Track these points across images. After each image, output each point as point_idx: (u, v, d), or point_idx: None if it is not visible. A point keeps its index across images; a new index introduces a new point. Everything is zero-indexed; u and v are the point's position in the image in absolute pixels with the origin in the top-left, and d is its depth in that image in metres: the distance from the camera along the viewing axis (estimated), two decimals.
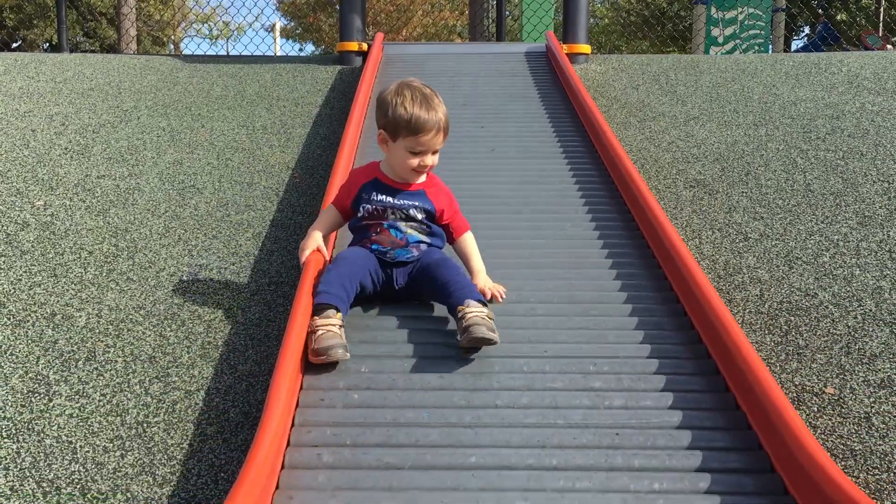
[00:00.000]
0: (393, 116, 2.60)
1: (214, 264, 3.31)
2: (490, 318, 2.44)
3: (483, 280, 2.73)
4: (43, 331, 2.80)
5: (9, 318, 2.85)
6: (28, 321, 2.84)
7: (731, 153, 4.51)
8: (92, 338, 2.78)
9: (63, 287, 3.07)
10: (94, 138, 4.63)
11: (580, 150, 4.21)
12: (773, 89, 5.67)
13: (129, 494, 2.12)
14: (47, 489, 2.12)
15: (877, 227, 3.61)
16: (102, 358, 2.67)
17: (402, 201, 2.70)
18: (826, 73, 6.03)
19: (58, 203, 3.75)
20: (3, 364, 2.60)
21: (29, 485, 2.13)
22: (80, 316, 2.90)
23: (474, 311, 2.43)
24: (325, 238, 2.83)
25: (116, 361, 2.66)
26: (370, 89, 5.05)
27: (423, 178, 2.75)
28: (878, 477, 2.20)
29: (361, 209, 2.72)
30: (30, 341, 2.73)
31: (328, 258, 2.79)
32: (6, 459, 2.21)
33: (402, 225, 2.69)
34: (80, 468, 2.20)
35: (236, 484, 1.75)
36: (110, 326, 2.85)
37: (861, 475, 2.20)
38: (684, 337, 2.60)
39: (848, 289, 3.11)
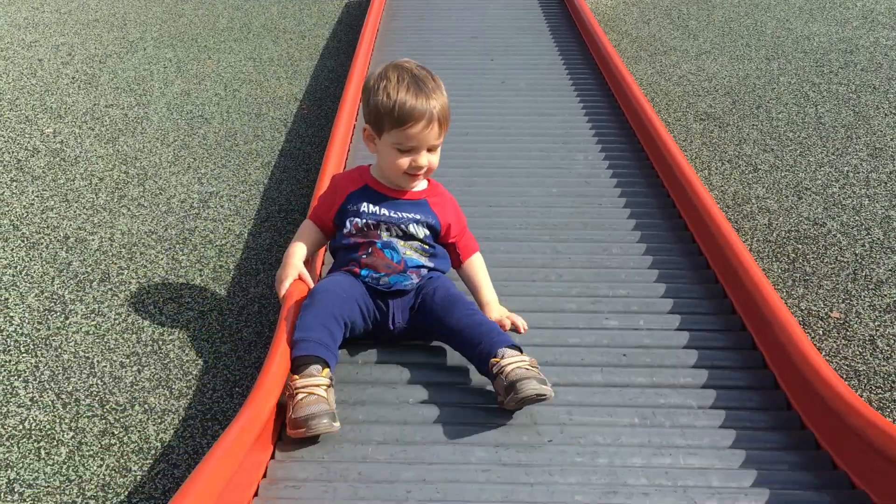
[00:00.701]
0: (375, 104, 2.05)
1: (224, 192, 3.33)
2: (535, 367, 1.92)
3: (497, 311, 2.20)
4: (57, 253, 2.82)
5: (23, 241, 2.88)
6: (42, 243, 2.87)
7: (743, 87, 4.47)
8: (105, 260, 2.81)
9: (75, 212, 3.09)
10: (101, 68, 4.60)
11: (591, 84, 4.17)
12: (786, 24, 5.59)
13: (146, 406, 2.17)
14: (66, 400, 2.17)
15: (887, 158, 3.59)
16: (116, 279, 2.71)
17: (399, 214, 2.14)
18: (840, 7, 5.93)
19: (67, 131, 3.75)
20: (18, 283, 2.64)
21: (49, 396, 2.18)
22: (93, 239, 2.92)
23: (514, 362, 1.90)
24: (309, 262, 2.26)
25: (130, 283, 2.69)
26: (377, 22, 4.99)
27: (422, 185, 2.21)
28: (880, 396, 2.24)
29: (348, 223, 2.15)
30: (44, 262, 2.76)
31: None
32: (25, 372, 2.26)
33: (399, 244, 2.13)
34: (98, 381, 2.25)
35: (254, 389, 1.79)
36: (123, 250, 2.88)
37: (864, 394, 2.24)
38: (693, 262, 2.61)
39: (856, 218, 3.12)
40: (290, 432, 1.83)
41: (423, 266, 2.15)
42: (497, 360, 1.93)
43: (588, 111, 3.81)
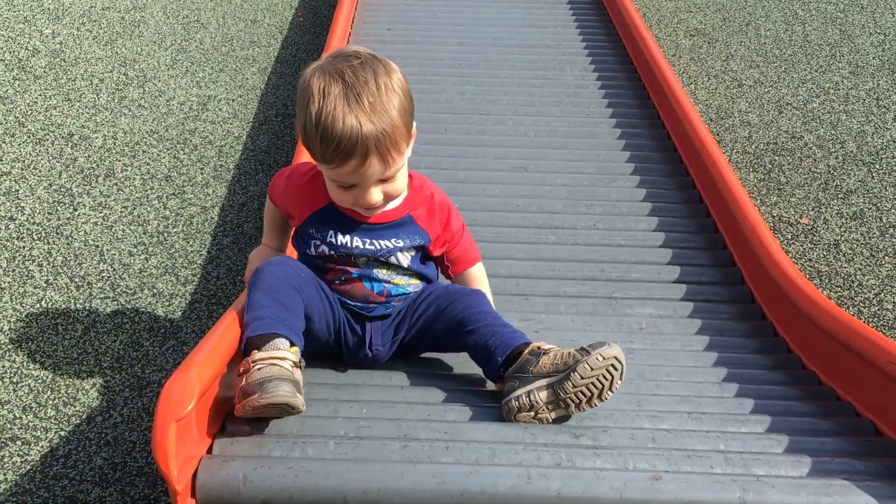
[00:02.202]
0: (301, 124, 1.53)
1: (222, 96, 3.41)
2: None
3: None
4: (62, 149, 2.93)
5: (28, 136, 2.98)
6: (48, 140, 2.97)
7: (733, 3, 4.52)
8: (109, 157, 2.91)
9: (78, 110, 3.18)
10: None
11: None
12: None
13: (154, 290, 2.32)
14: (79, 284, 2.32)
15: (868, 76, 3.70)
16: (121, 175, 2.82)
17: (379, 244, 1.66)
18: None
19: (65, 32, 3.79)
20: (27, 176, 2.75)
21: (62, 280, 2.32)
22: (97, 137, 3.02)
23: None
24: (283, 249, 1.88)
25: (135, 179, 2.81)
26: None
27: (397, 202, 1.67)
28: (839, 294, 2.41)
29: (312, 246, 1.68)
30: (51, 158, 2.87)
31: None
32: (39, 258, 2.40)
33: (380, 273, 1.69)
34: (108, 268, 2.39)
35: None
36: (126, 148, 2.98)
37: (826, 292, 2.41)
38: (673, 169, 2.74)
39: (833, 132, 3.24)
40: (237, 407, 1.45)
41: (409, 294, 1.73)
42: (540, 344, 1.60)
43: (580, 24, 3.87)
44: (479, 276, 1.83)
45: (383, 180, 1.55)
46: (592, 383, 1.51)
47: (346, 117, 1.45)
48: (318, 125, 1.46)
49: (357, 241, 1.65)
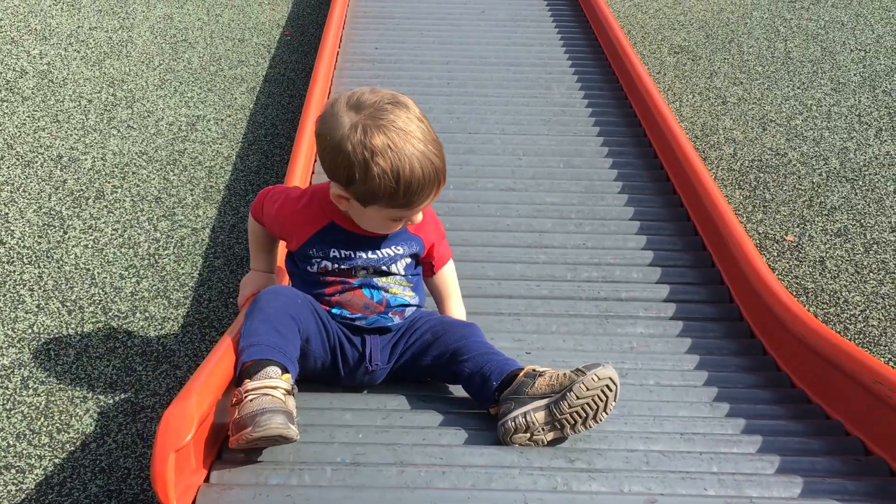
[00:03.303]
0: (366, 186, 1.56)
1: (211, 115, 3.41)
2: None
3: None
4: (52, 171, 2.92)
5: (17, 159, 2.97)
6: (36, 162, 2.97)
7: (717, 21, 4.58)
8: (99, 179, 2.91)
9: (66, 132, 3.18)
10: None
11: (568, 16, 4.26)
12: None
13: (147, 314, 2.32)
14: (71, 308, 2.31)
15: (849, 93, 3.76)
16: (111, 197, 2.82)
17: (379, 253, 1.73)
18: None
19: (53, 53, 3.79)
20: (17, 199, 2.75)
21: (54, 304, 2.32)
22: (86, 159, 3.02)
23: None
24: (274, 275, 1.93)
25: (124, 201, 2.81)
26: None
27: None
28: (826, 310, 2.44)
29: (314, 264, 1.72)
30: (40, 180, 2.87)
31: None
32: (30, 282, 2.39)
33: (380, 281, 1.74)
34: (100, 291, 2.39)
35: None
36: (115, 169, 2.98)
37: (812, 308, 2.44)
38: (661, 187, 2.77)
39: (816, 149, 3.29)
40: (231, 440, 1.46)
41: (407, 305, 1.78)
42: (535, 367, 1.63)
43: (566, 42, 3.91)
44: (453, 273, 1.93)
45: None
46: (588, 404, 1.54)
47: (426, 162, 1.55)
48: (403, 179, 1.54)
49: (360, 253, 1.72)
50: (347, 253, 1.71)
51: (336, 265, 1.71)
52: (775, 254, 2.69)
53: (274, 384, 1.48)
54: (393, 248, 1.74)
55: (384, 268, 1.74)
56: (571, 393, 1.53)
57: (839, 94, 3.76)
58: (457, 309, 1.92)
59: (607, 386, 1.54)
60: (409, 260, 1.78)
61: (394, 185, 1.54)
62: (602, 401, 1.54)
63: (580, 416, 1.54)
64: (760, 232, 2.79)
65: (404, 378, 1.81)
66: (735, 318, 2.21)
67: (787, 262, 2.64)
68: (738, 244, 2.28)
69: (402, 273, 1.77)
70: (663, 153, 2.92)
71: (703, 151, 3.27)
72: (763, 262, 2.17)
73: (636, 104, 3.28)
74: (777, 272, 2.58)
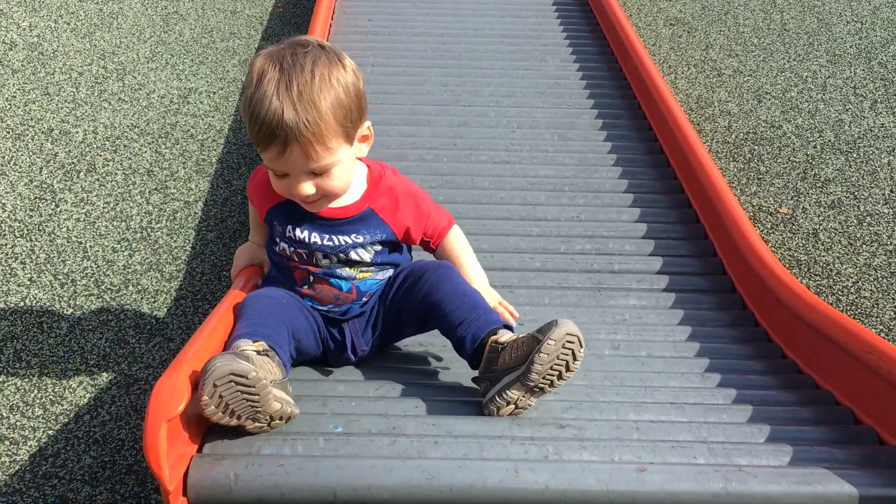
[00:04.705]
0: (241, 103, 1.50)
1: (203, 88, 3.39)
2: None
3: (488, 297, 1.74)
4: (43, 144, 2.91)
5: (8, 132, 2.95)
6: (27, 135, 2.95)
7: None
8: (91, 152, 2.90)
9: (57, 105, 3.15)
10: None
11: None
12: None
13: (139, 287, 2.32)
14: (63, 281, 2.31)
15: (845, 65, 3.74)
16: (103, 170, 2.81)
17: (337, 240, 1.64)
18: None
19: (43, 25, 3.75)
20: (7, 172, 2.73)
21: (46, 277, 2.32)
22: (77, 132, 3.00)
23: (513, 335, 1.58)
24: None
25: (116, 174, 2.80)
26: None
27: (358, 190, 1.66)
28: (818, 282, 2.45)
29: (275, 247, 1.69)
30: (31, 153, 2.85)
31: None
32: (22, 255, 2.38)
33: (345, 271, 1.67)
34: (92, 264, 2.38)
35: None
36: (107, 142, 2.96)
37: (804, 280, 2.45)
38: (655, 160, 2.76)
39: (811, 121, 3.28)
40: (205, 415, 1.38)
41: (382, 282, 1.71)
42: (497, 338, 1.58)
43: (561, 14, 3.88)
44: (458, 241, 1.78)
45: (315, 174, 1.52)
46: (554, 365, 1.50)
47: (272, 102, 1.44)
48: (249, 106, 1.47)
49: (315, 237, 1.63)
50: (302, 235, 1.63)
51: (293, 247, 1.65)
52: (769, 226, 2.69)
53: (242, 346, 1.44)
54: (353, 235, 1.64)
55: (343, 256, 1.64)
56: (535, 364, 1.49)
57: (835, 65, 3.74)
58: (476, 276, 1.77)
59: (567, 342, 1.49)
60: (377, 248, 1.67)
61: (245, 112, 1.49)
62: (567, 356, 1.50)
63: (552, 376, 1.51)
64: (754, 204, 2.79)
65: (395, 338, 1.79)
66: (727, 290, 2.22)
67: (781, 235, 2.65)
68: (731, 216, 2.28)
69: (369, 261, 1.67)
70: (658, 126, 2.91)
71: (698, 124, 3.26)
72: (756, 234, 2.17)
73: (631, 76, 3.26)
74: (770, 244, 2.58)
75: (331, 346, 1.71)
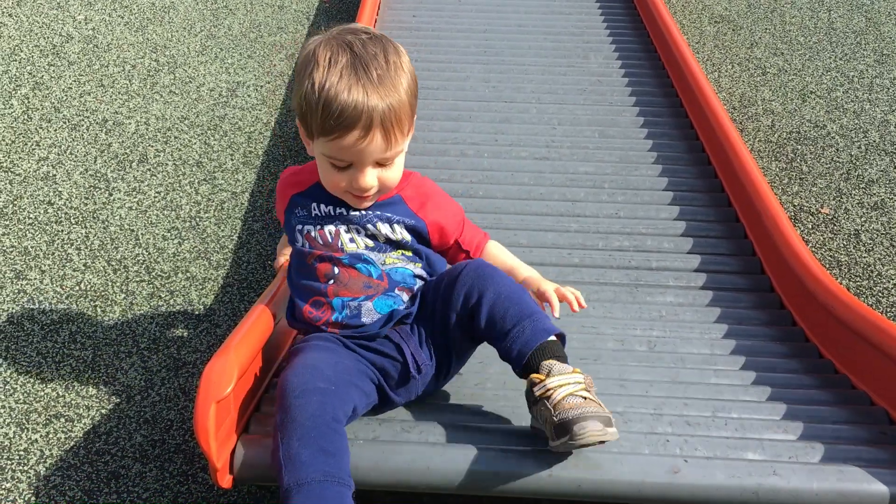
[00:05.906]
0: (300, 95, 1.45)
1: (251, 82, 3.47)
2: (591, 389, 1.43)
3: (545, 284, 1.63)
4: (97, 134, 3.01)
5: (65, 123, 3.06)
6: (83, 125, 3.05)
7: None
8: (143, 143, 2.99)
9: (111, 96, 3.25)
10: None
11: None
12: None
13: (188, 274, 2.40)
14: (116, 267, 2.40)
15: (893, 64, 3.69)
16: (154, 161, 2.89)
17: (362, 212, 1.57)
18: None
19: (97, 18, 3.87)
20: (64, 161, 2.84)
21: (100, 263, 2.41)
22: (130, 123, 3.10)
23: (565, 384, 1.40)
24: None
25: (167, 164, 2.88)
26: None
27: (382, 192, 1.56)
28: (858, 283, 2.44)
29: (299, 235, 1.60)
30: (86, 143, 2.95)
31: None
32: (77, 241, 2.48)
33: (373, 256, 1.57)
34: (144, 251, 2.47)
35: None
36: (158, 134, 3.05)
37: (844, 281, 2.44)
38: (696, 158, 2.77)
39: (856, 121, 3.25)
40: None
41: (414, 275, 1.60)
42: (540, 377, 1.43)
43: (604, 11, 3.88)
44: (499, 247, 1.72)
45: (381, 164, 1.48)
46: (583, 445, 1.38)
47: (353, 87, 1.39)
48: (322, 93, 1.40)
49: (341, 209, 1.56)
50: (327, 210, 1.56)
51: (319, 226, 1.56)
52: (810, 226, 2.68)
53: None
54: (379, 211, 1.56)
55: (371, 227, 1.56)
56: (562, 445, 1.38)
57: (882, 65, 3.69)
58: (526, 272, 1.68)
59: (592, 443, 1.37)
60: (406, 233, 1.58)
61: (315, 100, 1.40)
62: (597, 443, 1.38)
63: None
64: (796, 204, 2.78)
65: (451, 356, 1.61)
66: (765, 289, 2.22)
67: (822, 235, 2.64)
68: (770, 215, 2.28)
69: (396, 239, 1.57)
70: (699, 124, 2.91)
71: (741, 123, 3.25)
72: (796, 234, 2.18)
73: (673, 74, 3.26)
74: (811, 245, 2.58)
75: (392, 374, 1.56)
